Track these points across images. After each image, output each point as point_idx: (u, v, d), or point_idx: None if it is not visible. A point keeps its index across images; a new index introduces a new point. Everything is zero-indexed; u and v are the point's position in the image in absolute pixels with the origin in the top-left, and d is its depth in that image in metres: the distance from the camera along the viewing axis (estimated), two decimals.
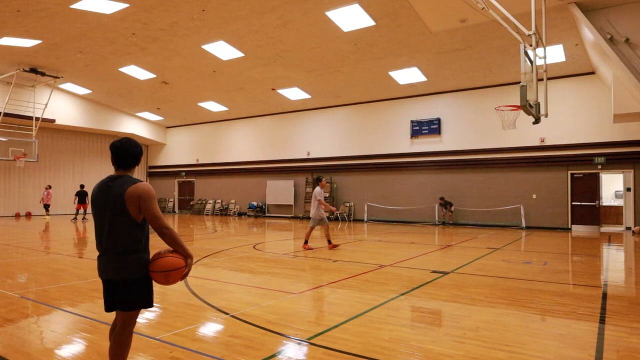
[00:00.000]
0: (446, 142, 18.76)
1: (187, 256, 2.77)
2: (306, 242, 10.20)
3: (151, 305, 2.84)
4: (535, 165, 16.87)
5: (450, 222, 18.24)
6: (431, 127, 18.99)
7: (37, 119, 19.98)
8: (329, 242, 10.21)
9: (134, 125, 26.27)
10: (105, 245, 2.72)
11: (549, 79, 9.91)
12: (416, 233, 14.99)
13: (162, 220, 2.69)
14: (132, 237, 2.69)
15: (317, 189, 10.13)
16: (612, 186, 19.49)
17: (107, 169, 26.88)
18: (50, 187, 21.03)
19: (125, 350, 2.81)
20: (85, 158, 25.80)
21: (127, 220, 2.67)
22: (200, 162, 26.87)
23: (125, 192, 2.65)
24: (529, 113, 8.10)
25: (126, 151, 2.79)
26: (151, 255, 2.81)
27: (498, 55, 14.88)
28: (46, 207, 20.56)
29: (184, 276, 2.76)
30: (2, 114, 19.00)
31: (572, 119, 16.23)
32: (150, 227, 2.79)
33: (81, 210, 20.03)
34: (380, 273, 7.22)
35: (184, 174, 27.59)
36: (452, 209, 18.12)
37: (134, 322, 2.83)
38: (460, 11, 11.58)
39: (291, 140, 23.17)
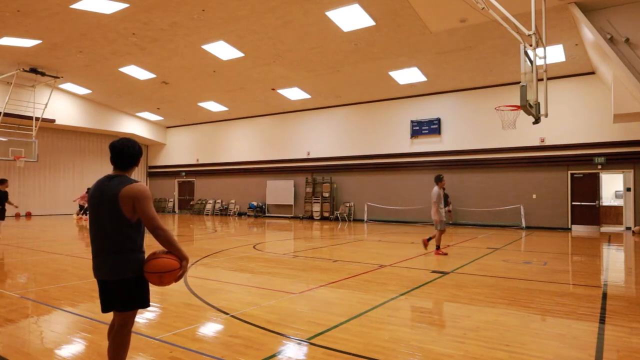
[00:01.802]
0: (446, 142, 18.76)
1: (182, 258, 2.74)
2: (438, 247, 9.44)
3: (147, 305, 2.83)
4: (535, 165, 16.87)
5: (450, 221, 18.21)
6: (431, 127, 18.99)
7: (37, 119, 19.97)
8: (438, 247, 9.45)
9: (134, 125, 26.26)
10: (100, 245, 2.71)
11: (549, 79, 9.91)
12: (416, 233, 14.98)
13: (157, 221, 2.67)
14: (127, 237, 2.68)
15: (435, 189, 9.33)
16: (612, 186, 19.48)
17: (107, 169, 26.72)
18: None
19: (124, 350, 2.80)
20: (85, 158, 25.80)
21: (121, 220, 2.65)
22: (200, 162, 26.87)
23: (120, 192, 2.64)
24: (529, 113, 8.10)
25: (123, 151, 2.79)
26: (146, 255, 2.80)
27: (498, 55, 14.88)
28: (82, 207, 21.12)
29: (178, 278, 2.74)
30: (2, 114, 18.99)
31: (572, 119, 16.23)
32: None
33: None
34: (380, 273, 7.22)
35: (184, 174, 27.59)
36: (450, 207, 18.04)
37: (132, 322, 2.82)
38: (460, 11, 11.58)
39: (291, 140, 23.17)
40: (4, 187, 11.97)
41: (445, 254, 9.42)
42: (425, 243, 9.65)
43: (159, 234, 2.67)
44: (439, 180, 9.48)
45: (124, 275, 2.67)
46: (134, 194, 2.64)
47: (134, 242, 2.71)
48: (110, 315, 2.90)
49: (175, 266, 2.71)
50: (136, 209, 2.65)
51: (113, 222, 2.66)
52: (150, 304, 2.91)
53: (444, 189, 18.30)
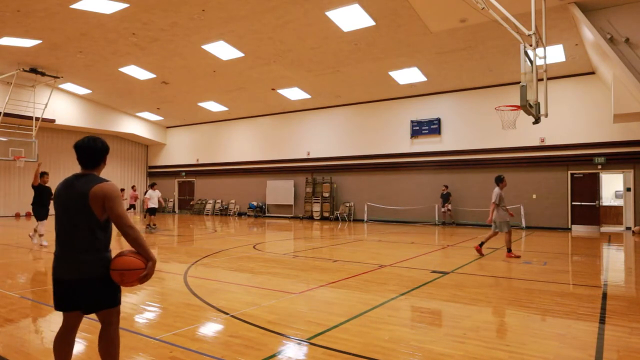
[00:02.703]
0: (446, 142, 18.76)
1: (148, 259, 2.69)
2: (509, 250, 8.96)
3: (117, 304, 2.77)
4: (535, 165, 16.87)
5: (452, 221, 18.14)
6: (431, 127, 18.98)
7: (37, 119, 19.97)
8: (509, 249, 8.99)
9: (134, 125, 26.26)
10: (68, 245, 2.67)
11: (549, 79, 9.91)
12: (416, 233, 14.99)
13: (126, 219, 2.65)
14: (93, 236, 2.65)
15: (496, 189, 8.97)
16: (612, 186, 19.48)
17: (107, 169, 26.83)
18: (133, 187, 20.20)
19: (115, 350, 2.77)
20: None
21: (89, 219, 2.63)
22: (200, 162, 26.87)
23: (89, 191, 2.61)
24: (529, 113, 8.10)
25: (87, 149, 2.76)
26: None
27: (498, 55, 14.88)
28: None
29: (142, 279, 2.67)
30: (2, 114, 18.99)
31: (572, 119, 16.23)
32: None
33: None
34: (380, 273, 7.22)
35: (184, 174, 27.59)
36: (450, 207, 18.01)
37: (116, 320, 2.79)
38: (460, 11, 11.58)
39: (291, 140, 23.17)
40: (45, 181, 10.46)
41: (518, 256, 8.94)
42: (479, 250, 9.17)
43: (128, 232, 2.64)
44: (499, 181, 9.12)
45: (92, 275, 2.63)
46: (103, 193, 2.62)
47: (101, 241, 2.68)
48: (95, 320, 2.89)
49: (138, 265, 2.66)
50: (106, 207, 2.63)
51: (81, 222, 2.63)
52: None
53: (444, 190, 18.25)
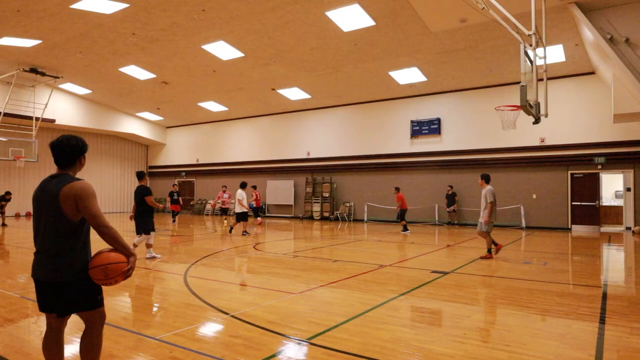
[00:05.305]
0: (446, 142, 18.76)
1: (129, 255, 2.64)
2: (495, 245, 8.99)
3: (97, 307, 2.71)
4: (535, 165, 16.87)
5: (455, 221, 18.08)
6: (431, 127, 18.98)
7: (37, 119, 19.98)
8: (495, 244, 9.03)
9: (134, 125, 26.26)
10: (42, 246, 2.62)
11: (549, 79, 9.90)
12: (416, 233, 14.98)
13: (101, 218, 2.57)
14: (68, 238, 2.58)
15: (489, 187, 9.08)
16: (612, 186, 19.48)
17: (107, 169, 26.86)
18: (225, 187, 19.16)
19: (96, 353, 2.74)
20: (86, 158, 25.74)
21: (62, 221, 2.56)
22: (200, 162, 26.86)
23: (60, 191, 2.55)
24: (529, 113, 8.09)
25: (60, 148, 2.70)
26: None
27: (498, 55, 14.88)
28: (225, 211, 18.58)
29: (125, 274, 2.62)
30: (2, 114, 18.99)
31: (572, 119, 16.23)
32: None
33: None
34: (380, 273, 7.22)
35: (184, 174, 27.58)
36: (455, 207, 17.94)
37: (100, 323, 2.76)
38: (460, 11, 11.58)
39: (291, 140, 23.17)
40: (145, 182, 8.69)
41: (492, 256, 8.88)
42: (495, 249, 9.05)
43: (104, 231, 2.57)
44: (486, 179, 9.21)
45: (67, 278, 2.57)
46: (74, 192, 2.54)
47: (75, 243, 2.61)
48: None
49: (121, 259, 2.61)
50: (79, 207, 2.55)
51: (54, 223, 2.57)
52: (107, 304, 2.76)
53: (449, 190, 18.04)
